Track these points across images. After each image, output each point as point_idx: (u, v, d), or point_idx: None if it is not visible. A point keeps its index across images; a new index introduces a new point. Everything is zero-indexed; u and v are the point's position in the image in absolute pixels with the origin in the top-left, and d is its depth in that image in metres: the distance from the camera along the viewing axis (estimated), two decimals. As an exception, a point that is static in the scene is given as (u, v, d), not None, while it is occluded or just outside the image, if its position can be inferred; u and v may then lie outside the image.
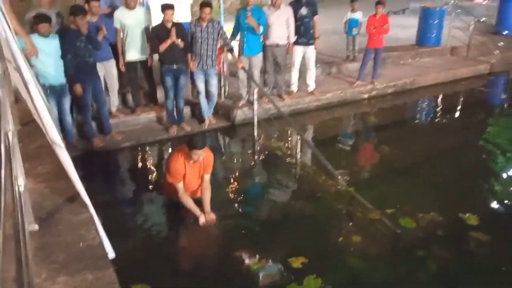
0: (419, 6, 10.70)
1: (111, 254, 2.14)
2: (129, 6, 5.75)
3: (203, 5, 5.62)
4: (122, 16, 5.78)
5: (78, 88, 5.18)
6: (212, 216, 3.99)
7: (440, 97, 8.28)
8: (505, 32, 10.16)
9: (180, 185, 4.02)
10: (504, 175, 5.15)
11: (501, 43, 9.75)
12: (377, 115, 7.26)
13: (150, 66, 6.13)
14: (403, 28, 11.27)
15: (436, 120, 7.23)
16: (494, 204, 4.44)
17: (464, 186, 4.76)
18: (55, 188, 2.46)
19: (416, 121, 7.18)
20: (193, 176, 4.11)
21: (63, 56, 5.04)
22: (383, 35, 7.27)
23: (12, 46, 2.05)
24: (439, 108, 7.98)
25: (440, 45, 9.85)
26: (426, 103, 8.10)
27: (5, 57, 2.07)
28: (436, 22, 9.62)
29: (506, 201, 4.55)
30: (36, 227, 2.03)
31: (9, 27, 2.08)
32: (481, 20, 10.28)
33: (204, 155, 3.97)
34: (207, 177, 4.16)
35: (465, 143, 6.04)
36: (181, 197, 4.04)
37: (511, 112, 7.58)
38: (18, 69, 2.07)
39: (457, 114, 7.40)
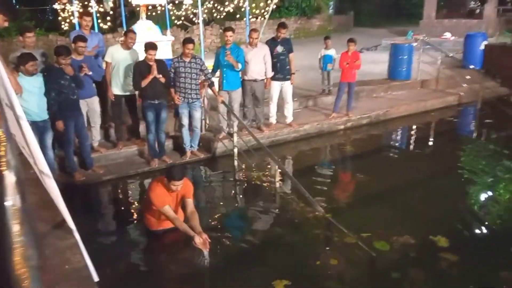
0: (390, 42, 11.30)
1: (95, 277, 2.25)
2: (126, 47, 6.13)
3: (186, 42, 5.92)
4: (116, 52, 6.09)
5: (60, 125, 5.32)
6: (205, 236, 3.92)
7: (412, 127, 8.65)
8: (471, 66, 10.74)
9: (167, 208, 4.06)
10: (472, 200, 5.40)
11: (468, 76, 10.30)
12: (353, 145, 7.55)
13: (134, 101, 6.36)
14: (375, 63, 11.82)
15: (409, 149, 7.56)
16: (463, 227, 4.64)
17: (435, 211, 4.98)
18: (42, 216, 2.57)
19: (390, 150, 7.47)
20: (173, 202, 4.22)
21: (47, 93, 5.20)
22: (355, 70, 7.66)
23: (5, 82, 2.21)
24: (411, 137, 8.34)
25: (411, 78, 10.34)
26: (398, 133, 8.45)
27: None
28: (405, 57, 10.15)
29: (473, 224, 4.78)
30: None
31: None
32: (449, 55, 10.88)
33: (182, 186, 4.10)
34: (190, 201, 4.24)
35: (436, 170, 6.32)
36: (172, 220, 4.06)
37: (479, 141, 7.95)
38: (11, 105, 2.22)
39: (428, 143, 7.73)
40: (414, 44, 11.00)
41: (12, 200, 0.82)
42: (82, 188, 5.61)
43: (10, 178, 0.92)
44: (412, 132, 8.50)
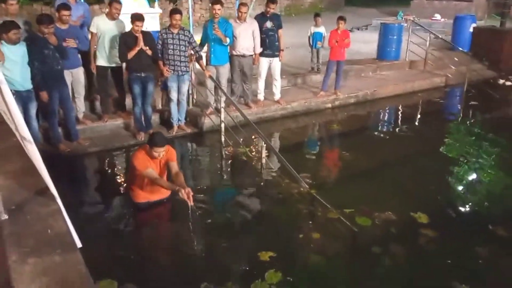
0: (381, 22, 11.25)
1: (78, 244, 2.25)
2: (111, 17, 5.99)
3: (173, 12, 5.83)
4: (101, 23, 5.97)
5: (44, 95, 5.23)
6: (189, 189, 3.89)
7: (399, 107, 8.72)
8: (460, 49, 10.78)
9: (150, 170, 4.06)
10: (455, 179, 5.50)
11: (456, 58, 10.34)
12: (340, 123, 7.59)
13: (121, 73, 6.27)
14: (365, 43, 11.80)
15: (394, 129, 7.61)
16: (444, 205, 4.76)
17: (417, 189, 5.08)
18: (24, 184, 2.54)
19: (376, 129, 7.52)
20: (158, 168, 4.22)
21: (30, 63, 5.09)
22: (344, 48, 7.63)
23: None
24: (398, 117, 8.41)
25: (399, 59, 10.36)
26: (385, 113, 8.51)
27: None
28: (395, 37, 10.14)
29: (454, 202, 4.89)
30: (6, 216, 2.12)
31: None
32: (438, 36, 10.89)
33: (164, 153, 4.12)
34: (174, 164, 4.23)
35: (421, 150, 6.41)
36: (154, 180, 4.07)
37: (464, 121, 8.06)
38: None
39: (414, 123, 7.80)
40: (404, 24, 10.98)
41: None
42: (67, 160, 5.56)
43: None
44: (399, 112, 8.57)
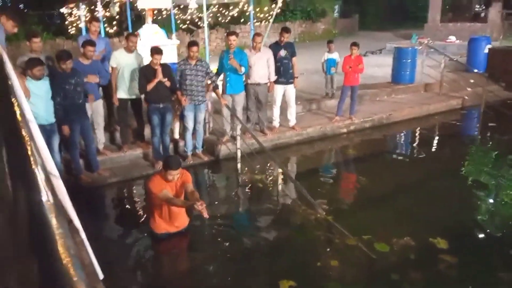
0: (394, 46, 11.34)
1: (100, 275, 2.33)
2: (129, 50, 6.25)
3: (190, 44, 6.05)
4: (120, 57, 6.22)
5: (66, 129, 5.43)
6: (202, 201, 3.90)
7: (415, 130, 8.69)
8: (475, 70, 10.77)
9: (165, 192, 4.12)
10: (474, 204, 5.42)
11: (472, 80, 10.32)
12: (355, 148, 7.60)
13: (140, 105, 6.48)
14: (379, 67, 11.89)
15: (411, 152, 7.59)
16: (463, 230, 4.70)
17: (436, 214, 5.03)
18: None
19: (392, 153, 7.51)
20: (174, 191, 4.26)
21: (53, 98, 5.31)
22: (358, 74, 7.73)
23: (16, 88, 2.32)
24: (414, 141, 8.38)
25: (414, 82, 10.39)
26: (401, 136, 8.49)
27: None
28: (409, 61, 10.20)
29: (473, 227, 4.81)
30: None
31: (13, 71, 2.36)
32: (453, 59, 10.91)
33: (179, 176, 4.21)
34: (189, 185, 4.28)
35: (439, 173, 6.36)
36: (170, 200, 4.12)
37: (482, 144, 7.98)
38: (21, 109, 2.33)
39: (431, 146, 7.76)
40: (418, 47, 11.05)
41: (45, 196, 0.88)
42: (88, 191, 5.70)
43: (40, 175, 0.98)
44: (415, 136, 8.54)
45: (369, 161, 7.10)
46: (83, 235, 2.53)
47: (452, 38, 15.86)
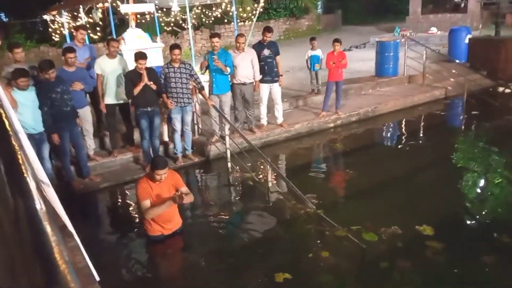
0: (376, 40, 11.50)
1: (96, 277, 2.41)
2: (111, 56, 6.29)
3: (172, 48, 6.13)
4: (103, 63, 6.26)
5: (55, 138, 5.47)
6: (178, 193, 4.11)
7: (400, 122, 8.85)
8: (457, 61, 10.97)
9: (146, 202, 4.21)
10: (458, 190, 5.58)
11: (454, 70, 10.52)
12: (343, 142, 7.73)
13: (128, 109, 6.53)
14: (363, 61, 12.05)
15: (397, 144, 7.74)
16: (449, 217, 4.85)
17: (422, 203, 5.18)
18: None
19: (379, 145, 7.66)
20: (163, 194, 4.30)
21: (40, 107, 5.34)
22: (342, 69, 7.85)
23: (2, 99, 2.38)
24: (400, 132, 8.55)
25: (398, 74, 10.57)
26: (387, 128, 8.64)
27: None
28: (391, 54, 10.37)
29: (458, 213, 4.98)
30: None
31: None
32: (435, 50, 11.09)
33: (166, 175, 4.26)
34: (183, 189, 4.34)
35: (424, 163, 6.53)
36: (151, 210, 4.18)
37: (466, 132, 8.17)
38: (9, 120, 2.39)
39: (416, 137, 7.92)
40: (401, 40, 11.22)
41: (38, 204, 0.90)
42: (80, 197, 5.76)
43: (31, 183, 1.01)
44: (401, 127, 8.71)
45: (356, 154, 7.23)
46: (77, 239, 2.60)
47: (434, 30, 16.09)
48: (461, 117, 9.14)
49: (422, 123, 8.81)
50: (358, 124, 8.49)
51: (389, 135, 8.45)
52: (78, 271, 2.20)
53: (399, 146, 7.53)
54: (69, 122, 5.68)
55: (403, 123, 8.82)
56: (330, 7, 26.12)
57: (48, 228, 0.80)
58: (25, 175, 1.06)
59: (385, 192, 5.59)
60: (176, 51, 6.07)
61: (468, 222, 4.84)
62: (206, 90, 6.79)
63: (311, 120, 8.05)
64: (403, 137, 8.06)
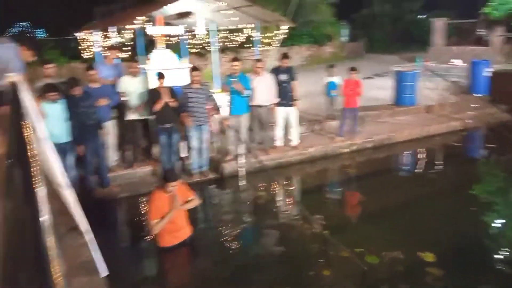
0: (394, 69, 11.67)
1: (105, 271, 2.64)
2: (133, 75, 6.74)
3: (192, 70, 6.51)
4: (126, 82, 6.69)
5: (80, 149, 5.87)
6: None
7: (415, 151, 8.91)
8: (477, 93, 11.00)
9: (154, 222, 4.56)
10: (464, 219, 5.59)
11: (473, 103, 10.55)
12: (356, 167, 7.86)
13: (147, 124, 6.90)
14: (382, 89, 12.18)
15: (410, 172, 7.82)
16: (450, 244, 4.91)
17: (427, 230, 5.25)
18: (60, 221, 3.00)
19: (391, 172, 7.74)
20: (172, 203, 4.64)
21: (68, 119, 5.76)
22: (357, 96, 8.05)
23: (31, 110, 2.70)
24: (413, 161, 8.59)
25: (416, 104, 10.67)
26: (401, 156, 8.72)
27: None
28: (410, 84, 10.50)
29: (460, 241, 5.01)
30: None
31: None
32: (453, 81, 11.16)
33: (177, 187, 4.62)
34: (189, 198, 4.76)
35: (434, 192, 6.58)
36: (155, 229, 4.55)
37: (481, 164, 8.17)
38: (33, 128, 2.70)
39: (430, 166, 7.97)
40: (420, 70, 11.34)
41: (45, 215, 0.92)
42: (100, 204, 6.06)
43: (41, 193, 1.04)
44: (415, 156, 8.76)
45: (368, 180, 7.34)
46: (87, 237, 2.85)
47: (455, 61, 16.13)
48: (477, 149, 9.13)
49: (437, 153, 8.85)
50: (372, 150, 8.60)
51: (402, 163, 8.52)
52: (84, 264, 2.44)
53: (412, 174, 7.60)
54: (93, 134, 6.05)
55: (418, 152, 8.87)
56: (356, 35, 26.52)
57: (50, 243, 0.81)
58: (37, 186, 1.12)
59: (392, 218, 5.69)
60: (195, 73, 6.43)
61: (471, 252, 4.86)
62: (225, 111, 7.09)
63: (326, 144, 8.21)
64: (417, 166, 8.12)
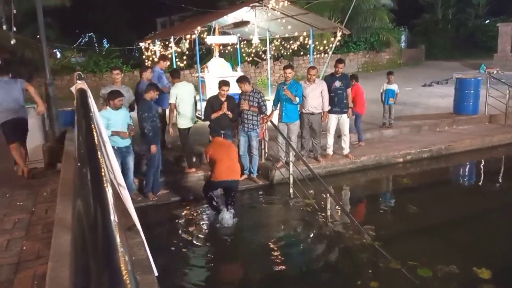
0: (456, 77, 11.18)
1: (155, 272, 2.78)
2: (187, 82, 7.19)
3: (239, 81, 6.78)
4: (178, 88, 6.97)
5: (154, 148, 6.16)
6: None
7: (475, 162, 8.48)
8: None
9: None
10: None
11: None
12: (410, 178, 7.60)
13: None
14: (443, 97, 11.75)
15: (468, 184, 7.46)
16: (508, 261, 4.63)
17: (486, 245, 4.99)
18: (119, 220, 3.20)
19: (448, 184, 7.42)
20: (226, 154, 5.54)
21: (143, 123, 6.08)
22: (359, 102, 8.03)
23: (96, 115, 2.92)
24: (473, 172, 8.19)
25: (478, 113, 10.15)
26: (460, 167, 8.33)
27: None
28: (472, 91, 10.02)
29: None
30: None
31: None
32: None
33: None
34: None
35: (493, 205, 6.24)
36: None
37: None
38: (99, 131, 2.91)
39: (490, 179, 7.56)
40: (484, 77, 10.79)
41: (112, 215, 0.96)
42: (152, 207, 6.33)
43: (109, 193, 1.08)
44: (475, 167, 8.35)
45: (423, 191, 7.09)
46: (142, 236, 3.02)
47: (525, 68, 15.18)
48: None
49: (499, 165, 8.36)
50: (429, 161, 8.29)
51: (460, 174, 8.15)
52: (139, 262, 2.58)
53: (470, 186, 7.25)
54: (159, 138, 6.43)
55: (478, 163, 8.43)
56: (414, 41, 25.71)
57: (118, 240, 0.87)
58: (105, 186, 1.14)
59: (448, 231, 5.46)
60: (241, 84, 6.70)
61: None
62: (277, 118, 7.18)
63: (379, 153, 8.03)
64: (476, 178, 7.74)
